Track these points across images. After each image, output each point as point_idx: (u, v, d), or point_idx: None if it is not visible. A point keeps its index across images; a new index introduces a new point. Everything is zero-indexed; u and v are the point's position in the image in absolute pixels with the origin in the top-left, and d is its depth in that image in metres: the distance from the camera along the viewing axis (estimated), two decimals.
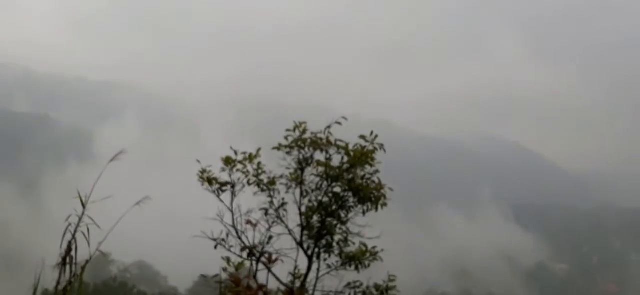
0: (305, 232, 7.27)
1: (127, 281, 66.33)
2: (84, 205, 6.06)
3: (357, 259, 7.32)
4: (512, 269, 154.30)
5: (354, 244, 7.37)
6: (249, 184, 7.07)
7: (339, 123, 6.87)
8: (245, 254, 6.74)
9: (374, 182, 7.17)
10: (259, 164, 7.07)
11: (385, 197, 7.21)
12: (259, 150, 7.02)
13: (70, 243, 6.00)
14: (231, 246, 6.74)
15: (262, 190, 7.18)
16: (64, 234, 5.99)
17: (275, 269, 6.47)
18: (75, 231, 6.00)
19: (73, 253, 6.03)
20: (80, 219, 6.04)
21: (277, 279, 6.47)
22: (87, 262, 6.06)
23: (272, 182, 7.17)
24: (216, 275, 6.05)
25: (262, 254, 6.65)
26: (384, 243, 7.38)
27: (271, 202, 7.19)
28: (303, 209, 7.24)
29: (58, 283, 5.97)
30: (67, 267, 6.02)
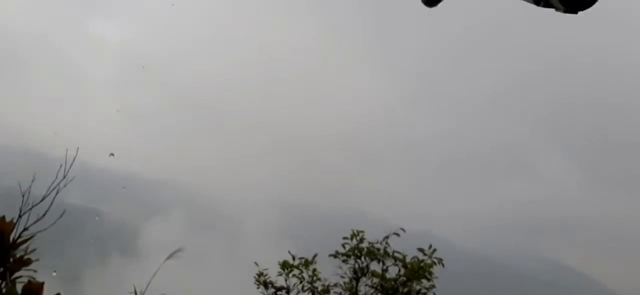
0: None
1: None
2: None
3: None
4: None
5: None
6: (303, 289, 7.02)
7: (397, 234, 6.85)
8: None
9: None
10: (314, 270, 7.04)
11: None
12: (314, 256, 7.02)
13: None
14: None
15: None
16: None
17: None
18: None
19: None
20: None
21: None
22: None
23: (326, 290, 7.09)
24: None
25: None
26: None
27: None
28: None
29: None
30: None
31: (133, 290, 6.21)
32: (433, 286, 7.02)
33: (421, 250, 6.90)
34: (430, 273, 6.91)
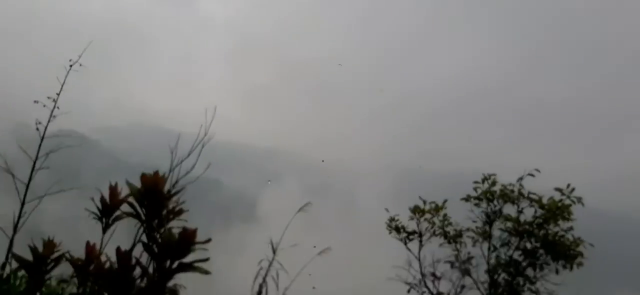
0: (492, 289, 6.98)
1: None
2: (274, 252, 6.44)
3: None
4: None
5: None
6: (435, 234, 7.03)
7: (532, 175, 6.61)
8: None
9: (568, 239, 6.70)
10: (445, 215, 7.01)
11: (582, 255, 6.69)
12: (445, 201, 6.98)
13: (261, 286, 6.42)
14: (423, 292, 6.68)
15: (449, 243, 7.08)
16: (255, 277, 6.41)
17: None
18: (266, 275, 6.39)
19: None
20: (270, 264, 6.42)
21: None
22: None
23: (458, 234, 7.04)
24: None
25: None
26: None
27: (457, 255, 7.05)
28: (490, 264, 6.99)
29: None
30: None
31: (269, 242, 6.59)
32: (571, 228, 6.72)
33: (558, 189, 6.61)
34: (569, 213, 6.61)
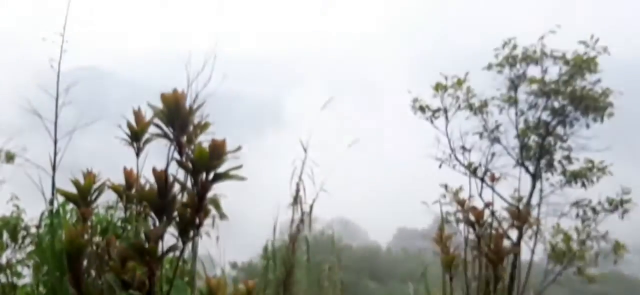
0: (524, 153, 7.02)
1: (332, 235, 70.53)
2: (305, 150, 6.54)
3: (583, 176, 6.85)
4: None
5: (578, 160, 6.91)
6: (460, 108, 7.00)
7: (554, 31, 6.44)
8: (468, 173, 6.73)
9: (597, 91, 6.61)
10: (468, 87, 6.95)
11: (612, 105, 6.61)
12: (467, 73, 6.90)
13: (298, 184, 6.59)
14: (454, 165, 6.77)
15: (475, 114, 7.06)
16: (291, 177, 6.55)
17: (497, 189, 6.35)
18: (301, 173, 6.54)
19: (301, 193, 6.62)
20: (303, 163, 6.54)
21: (501, 197, 6.35)
22: (313, 200, 6.58)
23: (484, 104, 7.01)
24: (436, 201, 6.12)
25: (485, 172, 6.58)
26: (613, 158, 6.79)
27: (485, 125, 7.05)
28: (519, 128, 6.98)
29: (292, 220, 6.60)
30: (298, 205, 6.61)
31: (299, 142, 6.70)
32: (599, 80, 6.60)
33: (582, 42, 6.45)
34: (595, 65, 6.47)
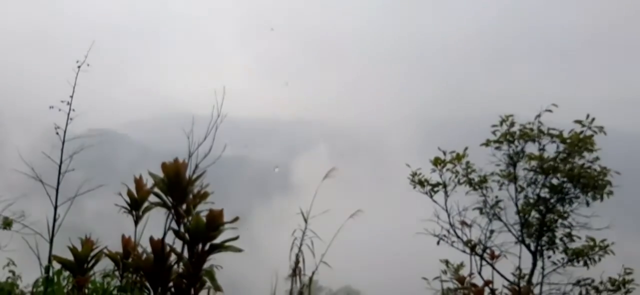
0: (525, 230, 6.99)
1: None
2: (306, 221, 6.53)
3: (585, 254, 6.81)
4: None
5: (579, 238, 6.88)
6: (459, 183, 7.03)
7: (550, 110, 6.54)
8: (467, 250, 6.68)
9: (595, 170, 6.65)
10: (467, 162, 7.00)
11: (611, 184, 6.63)
12: (466, 149, 6.96)
13: (297, 255, 6.55)
14: (453, 241, 6.73)
15: (474, 189, 7.08)
16: (291, 247, 6.52)
17: (497, 267, 6.31)
18: (301, 244, 6.51)
19: (301, 264, 6.57)
20: (304, 233, 6.53)
21: (502, 275, 6.28)
22: (313, 272, 6.52)
23: (483, 180, 7.04)
24: (437, 277, 6.08)
25: (484, 249, 6.54)
26: (612, 237, 6.78)
27: (485, 201, 7.06)
28: (519, 205, 6.99)
29: (291, 292, 6.52)
30: (297, 277, 6.54)
31: (299, 212, 6.71)
32: (597, 158, 6.65)
33: (578, 121, 6.53)
34: (592, 144, 6.54)
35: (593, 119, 6.46)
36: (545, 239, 6.95)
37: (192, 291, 4.76)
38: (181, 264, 4.71)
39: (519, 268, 6.72)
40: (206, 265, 4.89)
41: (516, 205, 6.98)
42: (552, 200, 6.84)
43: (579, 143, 6.52)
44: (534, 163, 6.83)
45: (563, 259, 6.94)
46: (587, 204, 6.77)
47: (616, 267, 6.80)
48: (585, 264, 6.84)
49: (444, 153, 6.91)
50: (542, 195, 6.86)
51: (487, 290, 5.47)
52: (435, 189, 6.97)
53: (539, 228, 6.89)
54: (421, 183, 7.00)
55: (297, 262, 6.64)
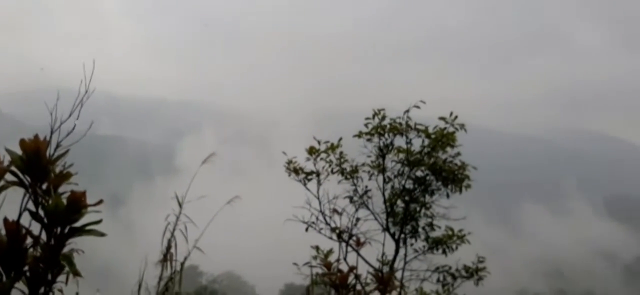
0: (391, 218, 7.39)
1: (216, 291, 68.67)
2: (180, 205, 6.42)
3: (444, 243, 7.37)
4: (610, 265, 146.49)
5: (440, 227, 7.41)
6: (332, 172, 7.26)
7: (418, 107, 6.94)
8: (334, 237, 6.93)
9: (456, 164, 7.17)
10: (341, 153, 7.24)
11: (469, 178, 7.19)
12: (340, 139, 7.20)
13: (169, 241, 6.42)
14: (321, 229, 6.95)
15: (346, 179, 7.36)
16: (164, 232, 6.39)
17: (362, 253, 6.60)
18: (174, 229, 6.39)
19: (172, 250, 6.44)
20: (177, 218, 6.41)
21: (366, 262, 6.59)
22: (185, 258, 6.43)
23: (354, 170, 7.33)
24: (307, 263, 6.24)
25: (350, 236, 6.81)
26: (468, 227, 7.37)
27: (355, 190, 7.35)
28: (386, 195, 7.36)
29: (160, 278, 6.38)
30: (168, 263, 6.41)
31: (174, 197, 6.58)
32: (458, 154, 7.17)
33: (443, 118, 7.00)
34: (454, 140, 7.04)
35: (456, 117, 6.95)
36: (409, 227, 7.40)
37: (50, 276, 4.53)
38: (39, 247, 4.47)
39: (383, 254, 7.09)
40: (67, 249, 4.67)
41: (383, 195, 7.35)
42: (416, 191, 7.28)
43: (442, 138, 6.99)
44: (401, 155, 7.22)
45: (424, 246, 7.45)
46: (447, 195, 7.29)
47: (471, 255, 7.41)
48: (444, 251, 7.39)
49: (319, 143, 7.10)
50: (408, 186, 7.29)
51: (351, 275, 5.70)
52: (309, 177, 7.15)
53: (403, 217, 7.32)
54: (296, 171, 7.15)
55: (168, 247, 6.52)
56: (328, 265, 5.93)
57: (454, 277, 7.44)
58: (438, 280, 7.48)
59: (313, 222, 7.00)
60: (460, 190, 7.25)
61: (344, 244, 6.72)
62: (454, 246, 7.41)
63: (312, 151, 7.07)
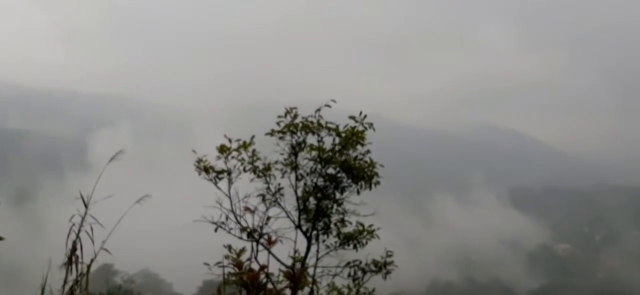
0: (303, 215, 7.46)
1: (132, 290, 66.48)
2: (86, 205, 6.15)
3: (354, 238, 7.54)
4: (515, 252, 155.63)
5: (350, 224, 7.57)
6: (244, 171, 7.22)
7: (329, 106, 7.03)
8: (244, 237, 6.91)
9: (366, 162, 7.35)
10: (253, 151, 7.22)
11: (378, 175, 7.40)
12: (252, 137, 7.16)
13: (74, 242, 6.12)
14: (231, 229, 6.90)
15: (258, 177, 7.34)
16: (69, 234, 6.09)
17: (275, 251, 6.63)
18: (79, 230, 6.10)
19: (78, 252, 6.15)
20: (83, 219, 6.14)
21: (278, 260, 6.62)
22: (92, 260, 6.16)
23: (267, 168, 7.33)
24: (219, 263, 6.18)
25: (261, 235, 6.81)
26: (379, 222, 7.59)
27: (268, 188, 7.36)
28: (299, 192, 7.42)
29: (65, 281, 6.08)
30: (73, 266, 6.11)
31: (79, 196, 6.27)
32: (368, 151, 7.35)
33: (352, 117, 7.15)
34: (363, 138, 7.21)
35: (365, 116, 7.12)
36: (321, 224, 7.51)
37: None
38: None
39: (296, 251, 7.15)
40: None
41: (296, 192, 7.41)
42: (328, 189, 7.39)
43: (352, 137, 7.14)
44: (314, 153, 7.31)
45: (336, 242, 7.59)
46: (358, 192, 7.46)
47: (380, 249, 7.64)
48: (355, 247, 7.57)
49: (230, 141, 7.04)
50: (320, 183, 7.39)
51: (262, 274, 5.72)
52: (220, 175, 7.07)
53: (315, 214, 7.41)
54: (206, 170, 7.05)
55: (73, 249, 6.23)
56: (239, 265, 5.92)
57: (364, 272, 7.65)
58: (349, 275, 7.66)
59: (223, 222, 6.93)
60: (370, 187, 7.44)
61: (255, 243, 6.72)
62: (364, 241, 7.60)
63: (223, 150, 7.00)
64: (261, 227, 6.87)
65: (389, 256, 7.60)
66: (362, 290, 7.62)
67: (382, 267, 7.61)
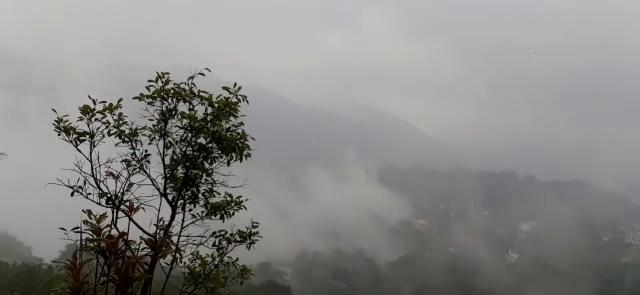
0: (170, 184, 7.32)
1: None
2: None
3: (222, 209, 7.56)
4: (379, 226, 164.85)
5: (219, 194, 7.57)
6: (109, 134, 6.91)
7: (203, 74, 6.91)
8: (103, 202, 6.65)
9: (238, 134, 7.35)
10: (120, 114, 6.91)
11: (249, 147, 7.44)
12: (120, 100, 6.85)
13: None
14: (89, 194, 6.60)
15: (124, 142, 7.06)
16: None
17: (138, 219, 6.44)
18: None
19: None
20: None
21: (139, 227, 6.45)
22: None
23: (134, 133, 7.07)
24: (76, 228, 5.90)
25: (121, 202, 6.58)
26: (250, 194, 7.68)
27: (134, 154, 7.11)
28: (167, 160, 7.26)
29: None
30: None
31: None
32: (241, 123, 7.35)
33: (226, 88, 7.09)
34: (236, 110, 7.19)
35: (239, 88, 7.09)
36: (189, 193, 7.42)
37: None
38: None
39: (161, 219, 7.02)
40: None
41: (163, 160, 7.25)
42: (197, 158, 7.31)
43: (225, 108, 7.09)
44: (185, 122, 7.17)
45: (203, 212, 7.56)
46: (228, 163, 7.46)
47: (246, 221, 7.76)
48: (222, 217, 7.60)
49: (94, 102, 6.67)
50: (189, 152, 7.28)
51: (121, 241, 5.56)
52: (82, 138, 6.70)
53: (183, 183, 7.31)
54: (66, 130, 6.64)
55: None
56: (97, 231, 5.68)
57: (229, 241, 7.72)
58: (214, 245, 7.68)
59: (80, 187, 6.60)
60: (241, 159, 7.47)
61: (115, 210, 6.48)
62: (231, 212, 7.65)
63: (86, 111, 6.62)
64: (122, 194, 6.62)
65: (255, 227, 7.72)
66: (225, 259, 7.70)
67: (247, 237, 7.73)
